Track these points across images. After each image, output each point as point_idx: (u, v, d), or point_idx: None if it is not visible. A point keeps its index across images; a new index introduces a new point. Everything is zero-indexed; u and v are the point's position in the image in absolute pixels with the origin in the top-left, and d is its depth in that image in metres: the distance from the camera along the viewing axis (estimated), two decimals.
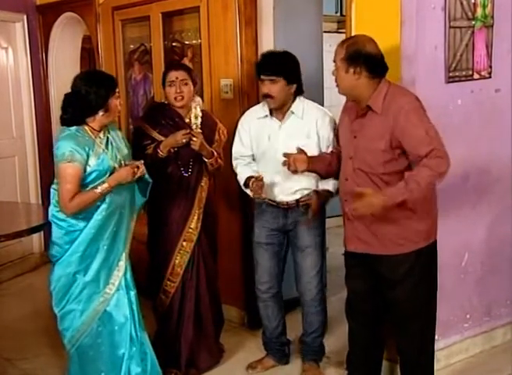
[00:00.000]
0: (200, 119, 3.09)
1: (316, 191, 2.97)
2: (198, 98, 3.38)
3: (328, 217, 3.20)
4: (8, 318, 4.05)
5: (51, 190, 2.76)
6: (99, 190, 2.62)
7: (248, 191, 3.04)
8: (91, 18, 4.54)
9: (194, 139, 3.01)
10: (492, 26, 3.08)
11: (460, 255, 3.20)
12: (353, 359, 2.94)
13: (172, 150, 3.04)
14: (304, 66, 3.01)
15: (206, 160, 3.12)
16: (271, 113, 3.02)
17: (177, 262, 3.15)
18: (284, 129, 2.99)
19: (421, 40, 2.84)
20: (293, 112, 2.97)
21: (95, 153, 2.66)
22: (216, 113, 3.60)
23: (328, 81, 3.18)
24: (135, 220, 2.90)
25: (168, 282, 3.17)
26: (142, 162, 2.74)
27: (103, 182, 2.64)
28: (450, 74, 2.97)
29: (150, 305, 3.22)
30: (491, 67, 3.12)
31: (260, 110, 3.07)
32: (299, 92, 2.99)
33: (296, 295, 3.23)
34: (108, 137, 2.76)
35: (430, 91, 2.88)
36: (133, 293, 2.83)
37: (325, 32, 4.48)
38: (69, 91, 2.70)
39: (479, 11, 3.02)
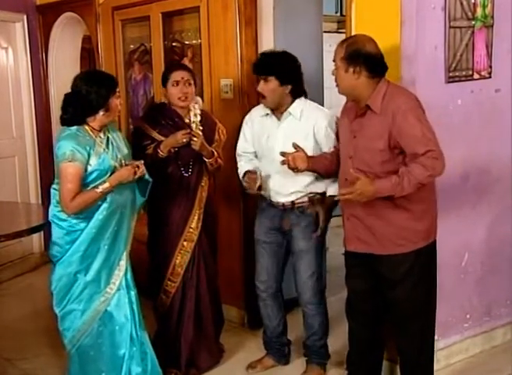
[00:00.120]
0: (199, 118, 3.10)
1: (321, 201, 2.95)
2: (198, 98, 3.38)
3: None
4: (8, 318, 4.05)
5: (52, 190, 2.76)
6: (100, 189, 2.62)
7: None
8: (91, 18, 4.54)
9: (195, 139, 3.01)
10: (492, 26, 3.08)
11: (460, 255, 3.20)
12: (353, 359, 2.94)
13: (172, 150, 3.04)
14: (304, 66, 3.00)
15: (206, 160, 3.12)
16: (272, 112, 3.02)
17: (178, 262, 3.15)
18: (282, 129, 2.99)
19: (421, 40, 2.84)
20: (290, 113, 2.97)
21: (96, 153, 2.66)
22: (216, 113, 3.60)
23: (328, 81, 3.17)
24: (135, 220, 2.90)
25: (169, 282, 3.17)
26: (142, 162, 2.75)
27: (104, 182, 2.64)
28: (450, 74, 2.97)
29: (150, 305, 3.22)
30: (491, 67, 3.12)
31: (262, 108, 3.08)
32: (299, 93, 2.97)
33: (296, 295, 3.23)
34: (108, 137, 2.76)
35: (430, 91, 2.88)
36: (133, 293, 2.83)
37: (325, 32, 4.47)
38: (69, 90, 2.70)
39: (479, 11, 3.02)
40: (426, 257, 2.65)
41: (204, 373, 3.26)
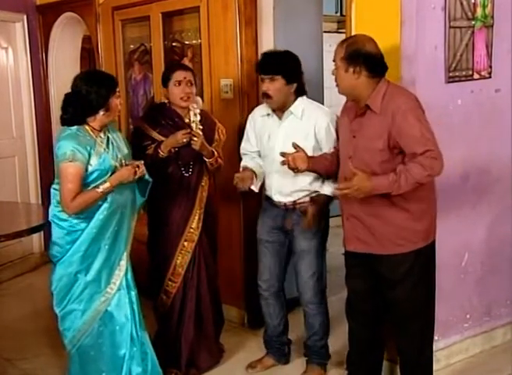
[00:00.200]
0: (199, 118, 3.10)
1: (312, 199, 2.96)
2: (198, 98, 3.38)
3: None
4: (8, 318, 4.05)
5: (52, 190, 2.76)
6: (101, 189, 2.62)
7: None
8: (91, 18, 4.54)
9: (195, 139, 3.01)
10: (492, 26, 3.08)
11: (460, 255, 3.20)
12: (353, 359, 2.94)
13: (172, 150, 3.04)
14: (304, 66, 3.00)
15: (206, 160, 3.12)
16: (273, 112, 3.03)
17: (178, 262, 3.15)
18: (283, 128, 2.99)
19: (421, 40, 2.84)
20: (291, 112, 2.97)
21: (96, 152, 2.66)
22: (216, 113, 3.60)
23: (328, 81, 3.17)
24: (135, 220, 2.90)
25: (170, 282, 3.17)
26: (142, 162, 2.75)
27: (104, 181, 2.64)
28: (450, 74, 2.97)
29: (150, 305, 3.22)
30: (491, 67, 3.12)
31: (264, 108, 3.09)
32: (301, 92, 2.98)
33: (298, 295, 3.23)
34: (108, 137, 2.76)
35: (430, 91, 2.88)
36: (133, 293, 2.83)
37: (325, 32, 4.48)
38: (69, 90, 2.70)
39: (479, 11, 3.02)
40: (426, 257, 2.65)
41: (204, 373, 3.26)
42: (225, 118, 3.53)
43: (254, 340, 3.60)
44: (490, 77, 3.13)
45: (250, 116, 3.19)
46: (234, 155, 3.35)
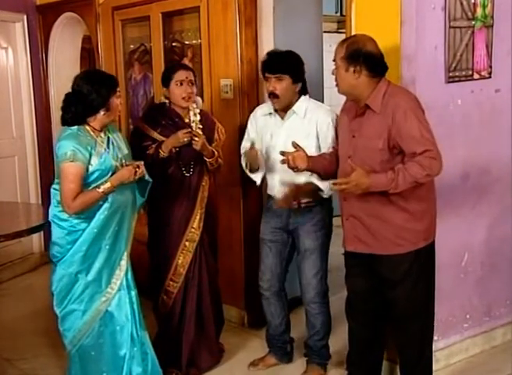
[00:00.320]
0: (199, 117, 3.10)
1: (298, 185, 2.94)
2: (198, 98, 3.38)
3: None
4: (7, 318, 4.05)
5: (52, 190, 2.76)
6: (101, 189, 2.62)
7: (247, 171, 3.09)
8: (91, 18, 4.54)
9: (196, 139, 3.01)
10: (492, 26, 3.08)
11: (459, 255, 3.20)
12: (353, 359, 2.94)
13: (173, 150, 3.04)
14: (303, 63, 3.01)
15: (207, 160, 3.12)
16: (275, 111, 3.03)
17: (180, 262, 3.15)
18: (285, 128, 3.00)
19: (421, 40, 2.84)
20: (294, 111, 2.98)
21: (97, 152, 2.66)
22: (216, 113, 3.60)
23: (328, 81, 3.18)
24: (135, 220, 2.90)
25: (171, 282, 3.17)
26: (142, 162, 2.74)
27: (105, 181, 2.64)
28: (450, 74, 2.97)
29: (150, 305, 3.22)
30: (491, 67, 3.12)
31: (266, 107, 3.10)
32: (303, 92, 3.00)
33: (300, 294, 3.23)
34: (108, 137, 2.76)
35: (430, 91, 2.88)
36: (134, 293, 2.83)
37: (325, 32, 4.48)
38: (70, 90, 2.70)
39: (479, 11, 3.02)
40: (426, 257, 2.65)
41: (204, 373, 3.26)
42: (225, 118, 3.53)
43: (255, 340, 3.61)
44: (490, 77, 3.13)
45: (251, 115, 3.19)
46: (234, 155, 3.35)
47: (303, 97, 3.00)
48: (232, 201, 3.69)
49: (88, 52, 5.52)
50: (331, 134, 2.92)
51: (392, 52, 2.76)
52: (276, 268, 3.16)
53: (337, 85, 2.61)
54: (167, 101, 3.16)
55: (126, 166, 2.72)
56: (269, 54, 3.01)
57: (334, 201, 3.06)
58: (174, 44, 4.09)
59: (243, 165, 3.17)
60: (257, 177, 3.14)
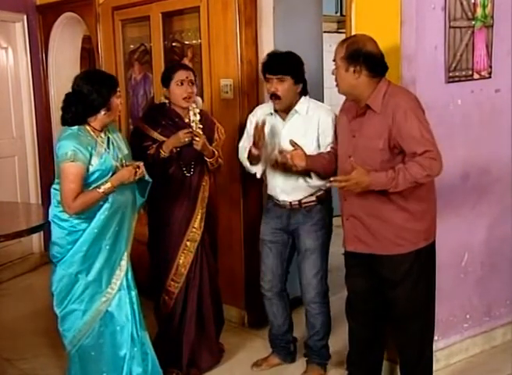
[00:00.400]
0: (198, 117, 3.10)
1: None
2: (198, 98, 3.38)
3: None
4: (7, 318, 4.05)
5: (52, 190, 2.75)
6: (102, 189, 2.62)
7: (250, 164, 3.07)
8: (91, 18, 4.54)
9: (197, 139, 3.01)
10: (492, 26, 3.08)
11: (459, 255, 3.20)
12: (353, 359, 2.94)
13: (174, 150, 3.04)
14: (304, 64, 3.01)
15: (207, 159, 3.12)
16: (275, 111, 3.03)
17: (181, 262, 3.15)
18: (287, 128, 3.00)
19: (421, 40, 2.84)
20: (296, 111, 2.98)
21: (97, 153, 2.66)
22: (216, 113, 3.61)
23: (329, 81, 3.18)
24: (135, 220, 2.90)
25: (172, 282, 3.16)
26: (142, 163, 2.74)
27: (106, 182, 2.64)
28: (450, 74, 2.97)
29: (150, 305, 3.22)
30: (491, 67, 3.12)
31: (266, 107, 3.10)
32: (304, 93, 3.01)
33: (300, 294, 3.22)
34: (108, 137, 2.76)
35: (430, 91, 2.88)
36: (134, 293, 2.83)
37: (325, 32, 4.48)
38: (70, 90, 2.70)
39: (479, 11, 3.02)
40: (426, 257, 2.65)
41: (204, 373, 3.26)
42: (225, 118, 3.53)
43: (255, 340, 3.61)
44: (490, 77, 3.13)
45: (251, 115, 3.18)
46: (234, 155, 3.35)
47: (303, 97, 3.01)
48: (232, 201, 3.69)
49: (88, 52, 5.52)
50: (331, 134, 2.93)
51: (392, 52, 2.76)
52: (277, 269, 3.16)
53: (337, 85, 2.61)
54: (167, 101, 3.16)
55: (126, 166, 2.72)
56: (270, 55, 3.01)
57: (334, 201, 3.06)
58: (174, 44, 4.09)
59: (244, 157, 3.12)
60: (257, 170, 3.10)
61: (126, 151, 2.83)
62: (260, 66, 3.12)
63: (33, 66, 5.11)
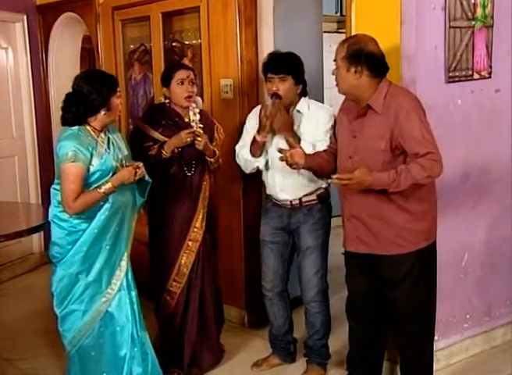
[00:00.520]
0: (198, 117, 3.10)
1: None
2: (198, 98, 3.38)
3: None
4: (7, 318, 4.05)
5: (52, 190, 2.75)
6: (102, 190, 2.61)
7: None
8: (91, 18, 4.54)
9: (199, 139, 3.01)
10: (492, 26, 3.08)
11: (460, 255, 3.20)
12: (353, 359, 2.94)
13: (176, 150, 3.04)
14: (304, 66, 3.01)
15: (208, 159, 3.12)
16: None
17: (183, 262, 3.15)
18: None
19: (421, 40, 2.84)
20: (298, 111, 2.99)
21: (98, 153, 2.66)
22: (216, 113, 3.61)
23: (328, 81, 3.18)
24: (135, 220, 2.90)
25: (174, 283, 3.16)
26: (141, 163, 2.74)
27: (106, 182, 2.64)
28: (450, 74, 2.97)
29: (150, 306, 3.21)
30: (491, 67, 3.12)
31: None
32: (303, 93, 3.02)
33: (300, 294, 3.22)
34: (109, 137, 2.76)
35: (430, 91, 2.88)
36: (134, 293, 2.83)
37: (325, 32, 4.48)
38: (70, 90, 2.70)
39: (479, 11, 3.02)
40: (427, 257, 2.65)
41: (205, 373, 3.26)
42: (225, 118, 3.53)
43: (255, 340, 3.61)
44: (490, 77, 3.13)
45: (249, 116, 3.18)
46: (234, 156, 3.34)
47: (303, 98, 3.02)
48: (232, 201, 3.69)
49: (88, 52, 5.52)
50: (329, 134, 2.94)
51: (392, 52, 2.76)
52: (278, 269, 3.16)
53: (337, 85, 2.60)
54: (167, 101, 3.16)
55: (127, 166, 2.72)
56: (271, 55, 3.02)
57: (333, 199, 3.06)
58: (174, 44, 4.09)
59: (242, 155, 3.09)
60: (259, 162, 3.07)
61: (126, 151, 2.83)
62: (260, 65, 3.12)
63: (33, 66, 5.11)
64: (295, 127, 2.97)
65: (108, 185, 2.62)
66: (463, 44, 2.99)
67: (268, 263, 3.16)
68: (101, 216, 2.68)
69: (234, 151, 3.23)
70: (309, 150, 2.86)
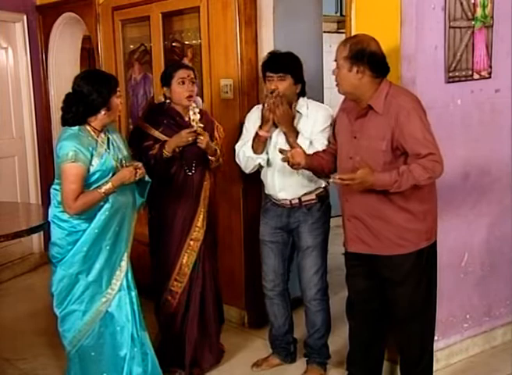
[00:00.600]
0: (198, 116, 3.10)
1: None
2: (198, 98, 3.38)
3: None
4: (7, 318, 4.05)
5: (52, 190, 2.75)
6: (103, 190, 2.62)
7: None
8: (91, 18, 4.54)
9: (201, 138, 3.02)
10: (491, 26, 3.08)
11: (460, 255, 3.20)
12: (353, 359, 2.94)
13: (177, 149, 3.04)
14: (304, 66, 3.02)
15: (210, 158, 3.13)
16: None
17: (184, 261, 3.15)
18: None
19: (421, 40, 2.84)
20: (298, 112, 2.99)
21: (98, 153, 2.66)
22: (216, 113, 3.61)
23: (328, 81, 3.19)
24: (135, 220, 2.90)
25: (175, 282, 3.16)
26: (141, 164, 2.74)
27: (106, 182, 2.64)
28: (450, 74, 2.97)
29: (150, 306, 3.21)
30: (491, 67, 3.12)
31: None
32: (302, 94, 3.02)
33: (300, 294, 3.22)
34: (109, 138, 2.76)
35: (430, 91, 2.88)
36: (134, 293, 2.83)
37: (325, 32, 4.48)
38: (70, 90, 2.70)
39: (479, 11, 3.02)
40: (427, 257, 2.65)
41: (205, 373, 3.26)
42: (225, 118, 3.53)
43: (255, 340, 3.61)
44: (490, 77, 3.13)
45: (248, 115, 3.17)
46: (234, 155, 3.34)
47: (301, 98, 3.02)
48: (232, 201, 3.69)
49: (88, 52, 5.52)
50: (326, 132, 2.94)
51: (392, 52, 2.76)
52: (279, 268, 3.17)
53: (338, 85, 2.60)
54: (167, 100, 3.16)
55: (127, 166, 2.72)
56: (271, 54, 3.03)
57: (332, 199, 3.07)
58: (174, 44, 4.09)
59: (244, 153, 3.07)
60: (262, 159, 3.05)
61: (125, 152, 2.83)
62: (260, 65, 3.12)
63: (33, 66, 5.11)
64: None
65: (109, 185, 2.62)
66: (463, 44, 2.99)
67: (269, 263, 3.17)
68: (101, 216, 2.68)
69: (234, 151, 3.23)
70: (306, 145, 2.87)
